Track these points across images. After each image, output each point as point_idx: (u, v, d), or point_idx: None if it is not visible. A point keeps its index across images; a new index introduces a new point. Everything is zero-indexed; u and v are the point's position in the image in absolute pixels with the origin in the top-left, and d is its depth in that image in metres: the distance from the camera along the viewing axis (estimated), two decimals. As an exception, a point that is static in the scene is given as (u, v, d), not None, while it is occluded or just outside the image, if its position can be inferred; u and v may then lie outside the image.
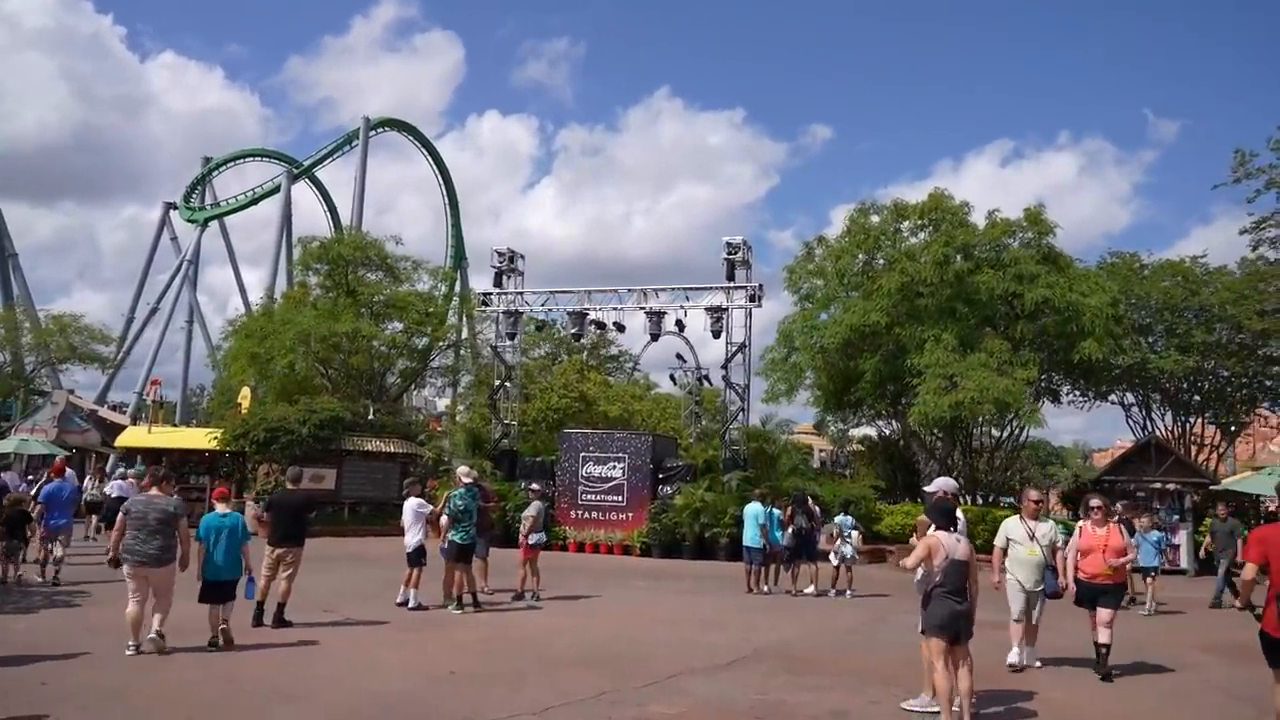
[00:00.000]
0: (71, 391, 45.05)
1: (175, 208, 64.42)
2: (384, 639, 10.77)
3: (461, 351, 39.16)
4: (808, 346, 26.81)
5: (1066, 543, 10.02)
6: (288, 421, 26.88)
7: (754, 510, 16.85)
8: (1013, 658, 9.69)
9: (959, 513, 8.45)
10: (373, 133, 63.98)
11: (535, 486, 16.26)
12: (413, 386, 40.56)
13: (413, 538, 13.21)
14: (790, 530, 16.84)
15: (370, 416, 30.33)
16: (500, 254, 28.15)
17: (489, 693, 8.27)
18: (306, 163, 64.53)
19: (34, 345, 43.29)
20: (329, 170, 67.30)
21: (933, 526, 7.79)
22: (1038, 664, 9.86)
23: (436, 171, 67.49)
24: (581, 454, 24.82)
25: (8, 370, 42.25)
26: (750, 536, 16.70)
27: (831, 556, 16.86)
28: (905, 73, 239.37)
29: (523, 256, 28.71)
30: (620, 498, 24.23)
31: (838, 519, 17.34)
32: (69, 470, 16.78)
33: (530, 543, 14.43)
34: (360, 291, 33.39)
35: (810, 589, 16.62)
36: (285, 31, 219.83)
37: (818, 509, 17.83)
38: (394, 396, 36.78)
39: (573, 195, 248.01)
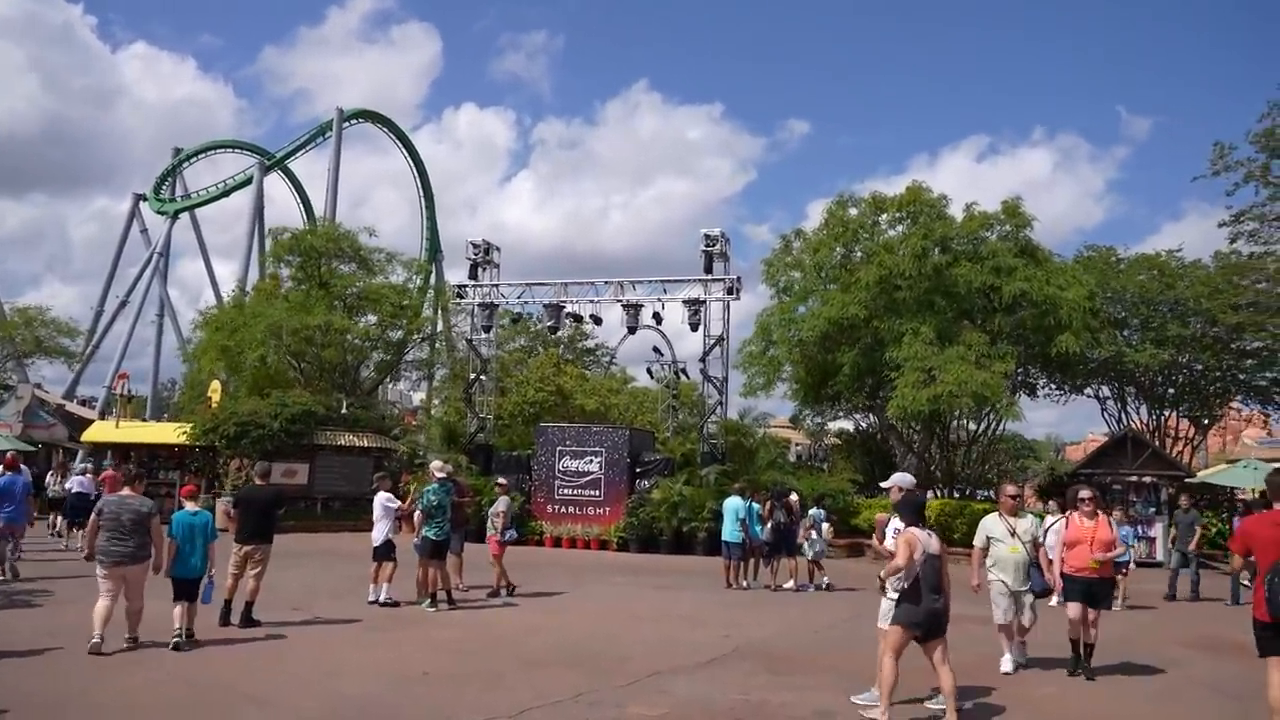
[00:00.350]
0: (38, 385, 44.21)
1: (145, 199, 63.34)
2: (355, 638, 10.49)
3: (437, 345, 38.75)
4: (786, 340, 26.71)
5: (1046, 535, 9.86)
6: (259, 415, 26.46)
7: (733, 505, 16.67)
8: (1006, 665, 9.33)
9: None
10: (346, 124, 63.15)
11: (502, 481, 15.98)
12: (388, 380, 40.14)
13: (380, 533, 12.96)
14: (770, 525, 16.71)
15: (343, 410, 29.93)
16: (475, 246, 27.82)
17: (463, 694, 8.04)
18: (279, 154, 63.62)
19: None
20: (303, 163, 66.56)
21: (895, 520, 7.68)
22: (1023, 660, 9.56)
23: (411, 163, 66.76)
24: (558, 448, 24.57)
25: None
26: (729, 531, 16.54)
27: (806, 549, 16.75)
28: (882, 68, 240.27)
29: (498, 248, 28.39)
30: (597, 492, 24.01)
31: (811, 512, 17.25)
32: (22, 466, 16.41)
33: (504, 539, 14.20)
34: (333, 284, 32.95)
35: (790, 584, 16.49)
36: (259, 21, 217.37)
37: (797, 503, 17.70)
38: (368, 390, 36.36)
39: (550, 189, 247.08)
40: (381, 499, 13.22)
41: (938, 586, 7.27)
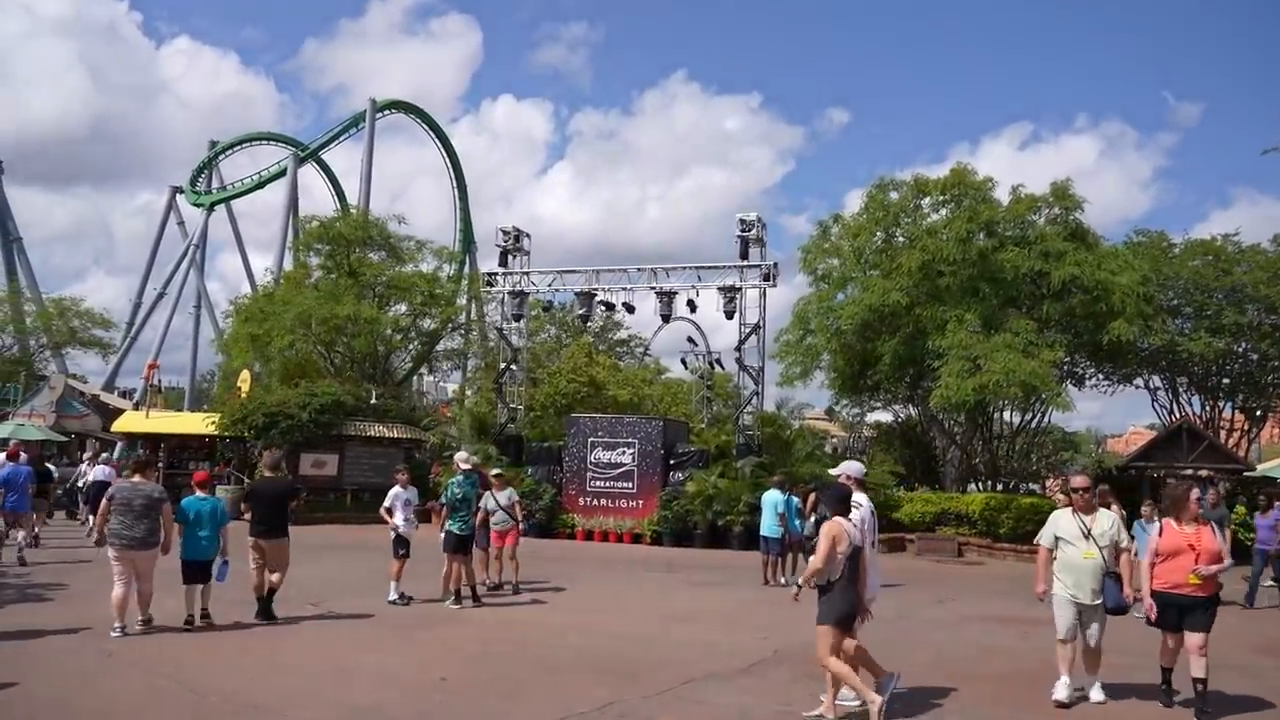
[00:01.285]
0: (74, 376, 44.52)
1: (181, 191, 63.65)
2: (371, 640, 9.91)
3: (469, 335, 38.36)
4: (824, 328, 25.82)
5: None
6: (287, 406, 26.11)
7: (772, 498, 16.05)
8: (1059, 693, 7.73)
9: (865, 498, 7.64)
10: (380, 115, 63.03)
11: (498, 472, 15.14)
12: (421, 371, 39.82)
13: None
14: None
15: (373, 401, 29.55)
16: (505, 232, 27.25)
17: (481, 703, 7.46)
18: (313, 145, 63.69)
19: (34, 328, 42.74)
20: (339, 156, 66.80)
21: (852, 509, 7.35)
22: (1102, 699, 7.83)
23: (444, 154, 66.53)
24: (590, 439, 23.99)
25: (9, 354, 41.70)
26: (768, 525, 15.93)
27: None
28: (923, 55, 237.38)
29: (528, 235, 27.81)
30: (630, 484, 23.42)
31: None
32: (22, 454, 16.45)
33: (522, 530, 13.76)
34: (362, 272, 32.57)
35: (830, 581, 15.80)
36: (301, 15, 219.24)
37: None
38: (399, 380, 36.04)
39: (587, 180, 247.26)
40: (394, 491, 12.69)
41: (857, 578, 7.11)
